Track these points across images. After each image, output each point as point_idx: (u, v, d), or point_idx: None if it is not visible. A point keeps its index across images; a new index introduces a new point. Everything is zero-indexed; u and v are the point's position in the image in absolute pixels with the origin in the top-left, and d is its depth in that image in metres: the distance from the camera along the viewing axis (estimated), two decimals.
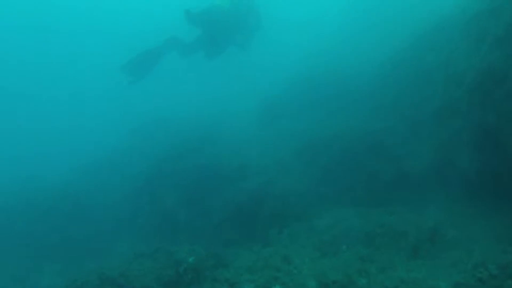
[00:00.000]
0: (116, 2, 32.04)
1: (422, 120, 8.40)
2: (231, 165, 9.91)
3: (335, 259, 5.78)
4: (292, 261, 5.81)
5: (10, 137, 20.08)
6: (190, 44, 11.82)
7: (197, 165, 10.32)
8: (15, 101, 24.93)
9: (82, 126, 20.02)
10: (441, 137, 7.47)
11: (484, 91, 5.78)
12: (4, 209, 11.82)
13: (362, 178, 8.12)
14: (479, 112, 5.90)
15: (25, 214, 11.48)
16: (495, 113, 5.58)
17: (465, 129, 6.36)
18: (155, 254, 6.09)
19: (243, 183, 8.86)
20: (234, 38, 11.60)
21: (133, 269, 5.60)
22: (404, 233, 5.94)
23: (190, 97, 17.31)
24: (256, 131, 12.08)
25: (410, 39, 10.58)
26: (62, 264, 9.75)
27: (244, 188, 8.56)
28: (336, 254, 6.03)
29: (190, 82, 17.82)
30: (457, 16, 8.58)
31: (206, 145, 11.30)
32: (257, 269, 5.63)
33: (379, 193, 7.76)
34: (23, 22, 29.73)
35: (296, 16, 21.21)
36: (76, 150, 15.79)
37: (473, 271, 4.65)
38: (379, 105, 9.82)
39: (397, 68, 10.23)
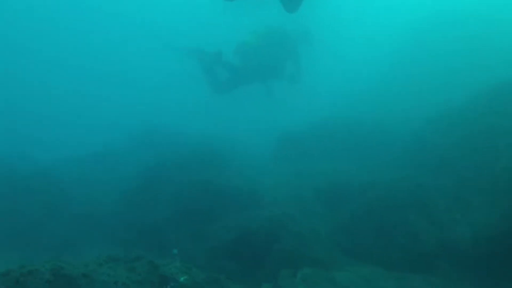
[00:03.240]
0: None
1: (477, 183, 7.08)
2: (240, 189, 8.45)
3: None
4: None
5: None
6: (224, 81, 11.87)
7: (200, 180, 8.85)
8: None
9: (83, 120, 18.86)
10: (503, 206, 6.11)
11: None
12: None
13: (399, 236, 6.64)
14: None
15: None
16: None
17: None
18: (134, 263, 4.55)
19: (254, 211, 7.35)
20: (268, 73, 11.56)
21: (101, 272, 4.08)
22: None
23: (204, 115, 16.09)
24: (272, 162, 10.70)
25: (467, 99, 9.43)
26: (21, 252, 8.02)
27: (255, 216, 7.02)
28: None
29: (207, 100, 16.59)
30: None
31: (214, 162, 9.86)
32: None
33: (418, 258, 6.27)
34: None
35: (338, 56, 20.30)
36: (73, 141, 14.56)
37: None
38: (423, 162, 8.49)
39: (450, 127, 8.99)
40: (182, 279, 4.13)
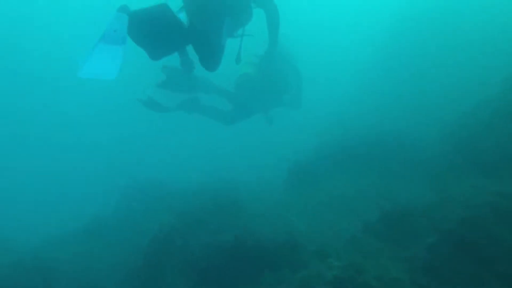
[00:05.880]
0: None
1: None
2: (273, 240, 6.80)
3: None
4: None
5: None
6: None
7: (221, 242, 7.18)
8: None
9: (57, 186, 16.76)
10: None
11: None
12: None
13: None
14: None
15: None
16: None
17: None
18: None
19: (309, 271, 5.66)
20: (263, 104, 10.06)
21: None
22: None
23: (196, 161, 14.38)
24: (296, 201, 9.07)
25: (504, 83, 8.10)
26: None
27: (316, 279, 5.33)
28: None
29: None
30: None
31: (228, 214, 8.21)
32: None
33: None
34: None
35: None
36: (50, 214, 12.56)
37: None
38: (486, 165, 7.00)
39: (495, 117, 7.59)
40: None
